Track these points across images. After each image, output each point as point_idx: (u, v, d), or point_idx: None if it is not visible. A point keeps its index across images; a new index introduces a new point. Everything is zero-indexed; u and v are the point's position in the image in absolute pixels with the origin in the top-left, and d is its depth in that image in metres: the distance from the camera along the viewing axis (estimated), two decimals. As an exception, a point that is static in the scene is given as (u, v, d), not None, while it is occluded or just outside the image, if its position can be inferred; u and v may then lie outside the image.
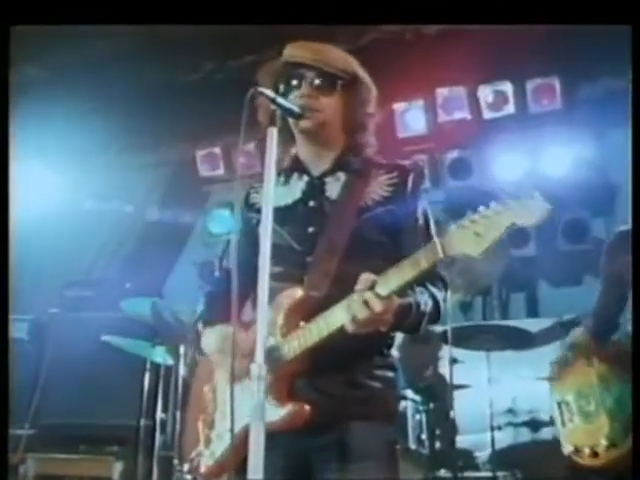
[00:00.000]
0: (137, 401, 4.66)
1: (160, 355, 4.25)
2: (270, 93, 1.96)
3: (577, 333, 2.93)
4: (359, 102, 2.17)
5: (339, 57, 2.17)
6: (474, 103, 5.37)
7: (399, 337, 4.60)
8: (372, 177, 2.15)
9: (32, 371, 5.15)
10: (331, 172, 2.18)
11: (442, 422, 3.58)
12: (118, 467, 4.73)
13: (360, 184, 2.14)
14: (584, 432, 2.73)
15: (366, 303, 1.77)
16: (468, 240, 1.67)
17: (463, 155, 5.43)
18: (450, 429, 3.52)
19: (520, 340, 3.59)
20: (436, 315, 2.06)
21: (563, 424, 2.84)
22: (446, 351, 3.85)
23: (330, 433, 1.94)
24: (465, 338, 3.84)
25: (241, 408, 1.74)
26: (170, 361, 4.21)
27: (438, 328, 3.72)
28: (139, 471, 4.36)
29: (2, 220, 2.89)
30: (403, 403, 3.49)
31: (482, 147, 5.47)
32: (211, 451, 2.09)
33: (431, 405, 3.67)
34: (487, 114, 5.34)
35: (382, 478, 1.93)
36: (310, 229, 2.10)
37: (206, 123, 5.54)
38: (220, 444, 2.06)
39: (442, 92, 5.42)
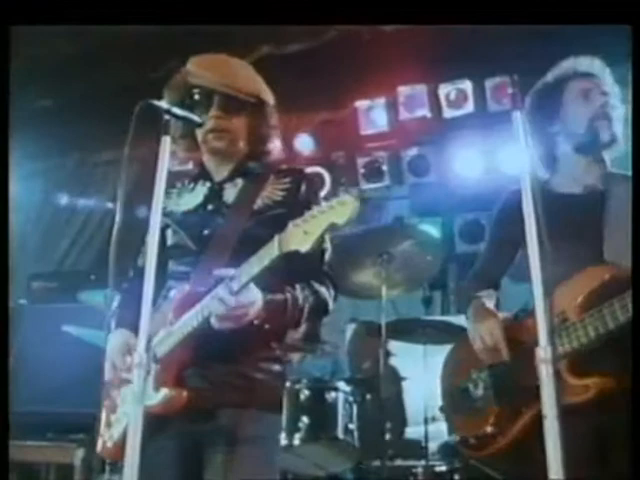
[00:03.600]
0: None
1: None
2: (163, 104, 2.09)
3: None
4: (263, 120, 2.34)
5: (247, 80, 2.33)
6: (434, 101, 5.47)
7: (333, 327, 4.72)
8: (268, 182, 2.29)
9: (1, 360, 5.30)
10: (231, 178, 2.34)
11: (377, 413, 3.71)
12: (79, 454, 4.88)
13: (255, 189, 2.29)
14: (471, 420, 2.50)
15: (221, 300, 1.92)
16: (298, 237, 1.80)
17: (422, 152, 5.54)
18: (382, 420, 3.65)
19: (455, 335, 3.69)
20: (321, 310, 2.19)
21: (453, 413, 2.65)
22: (387, 344, 3.98)
23: (216, 419, 2.08)
24: (405, 332, 3.97)
25: None
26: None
27: (377, 321, 3.83)
28: (95, 458, 4.50)
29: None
30: (333, 394, 3.63)
31: (441, 144, 5.57)
32: (110, 434, 2.26)
33: (368, 396, 3.81)
34: (447, 112, 5.43)
35: (262, 463, 2.08)
36: (205, 231, 2.25)
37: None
38: (118, 427, 2.22)
39: (403, 90, 5.52)
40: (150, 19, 4.38)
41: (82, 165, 6.40)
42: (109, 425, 2.27)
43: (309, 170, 2.40)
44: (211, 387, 2.10)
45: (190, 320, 2.04)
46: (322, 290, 2.18)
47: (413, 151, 5.56)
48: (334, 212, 1.76)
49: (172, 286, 2.23)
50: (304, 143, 5.79)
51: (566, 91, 2.47)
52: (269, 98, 2.38)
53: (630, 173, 2.35)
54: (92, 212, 6.34)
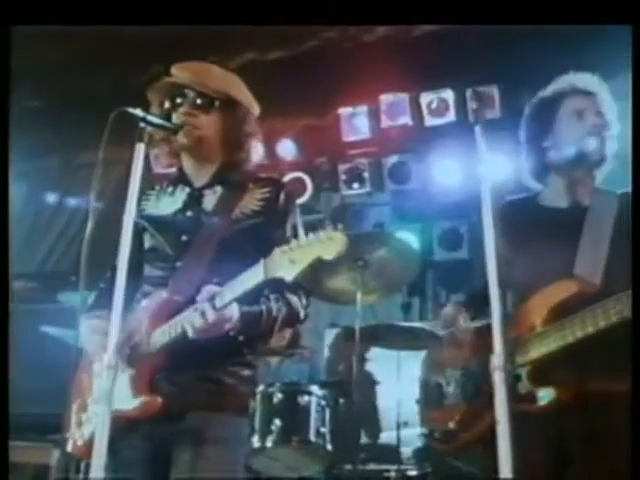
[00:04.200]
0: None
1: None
2: (138, 112, 2.13)
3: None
4: (236, 121, 2.38)
5: (217, 79, 2.37)
6: (416, 109, 5.54)
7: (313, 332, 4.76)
8: (247, 191, 2.33)
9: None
10: (210, 185, 2.38)
11: (350, 417, 3.75)
12: (55, 454, 4.90)
13: (234, 197, 2.33)
14: (438, 415, 2.56)
15: (202, 314, 1.97)
16: (284, 265, 1.85)
17: (403, 159, 5.60)
18: (354, 424, 3.69)
19: (429, 341, 3.74)
20: (292, 319, 2.26)
21: (425, 406, 2.67)
22: (362, 349, 4.03)
23: (185, 420, 2.14)
24: (380, 337, 4.02)
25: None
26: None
27: (352, 326, 3.87)
28: (71, 458, 4.52)
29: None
30: (306, 397, 3.67)
31: (422, 152, 5.63)
32: (81, 432, 2.30)
33: (341, 400, 3.86)
34: (428, 121, 5.48)
35: (228, 463, 2.14)
36: (184, 237, 2.29)
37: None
38: (89, 426, 2.26)
39: (385, 98, 5.59)
40: (144, 20, 4.41)
41: (66, 166, 6.42)
42: (80, 424, 2.31)
43: (288, 179, 2.43)
44: (182, 391, 2.14)
45: (169, 329, 2.09)
46: (294, 300, 2.24)
47: (394, 158, 5.64)
48: (322, 247, 1.80)
49: (148, 291, 2.26)
50: (286, 148, 5.85)
51: (562, 108, 2.51)
52: (244, 100, 2.42)
53: (618, 191, 2.44)
54: (75, 213, 6.36)
